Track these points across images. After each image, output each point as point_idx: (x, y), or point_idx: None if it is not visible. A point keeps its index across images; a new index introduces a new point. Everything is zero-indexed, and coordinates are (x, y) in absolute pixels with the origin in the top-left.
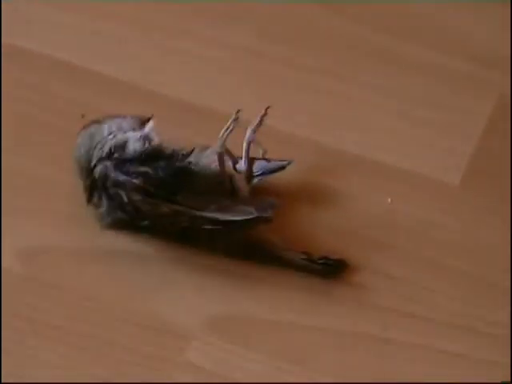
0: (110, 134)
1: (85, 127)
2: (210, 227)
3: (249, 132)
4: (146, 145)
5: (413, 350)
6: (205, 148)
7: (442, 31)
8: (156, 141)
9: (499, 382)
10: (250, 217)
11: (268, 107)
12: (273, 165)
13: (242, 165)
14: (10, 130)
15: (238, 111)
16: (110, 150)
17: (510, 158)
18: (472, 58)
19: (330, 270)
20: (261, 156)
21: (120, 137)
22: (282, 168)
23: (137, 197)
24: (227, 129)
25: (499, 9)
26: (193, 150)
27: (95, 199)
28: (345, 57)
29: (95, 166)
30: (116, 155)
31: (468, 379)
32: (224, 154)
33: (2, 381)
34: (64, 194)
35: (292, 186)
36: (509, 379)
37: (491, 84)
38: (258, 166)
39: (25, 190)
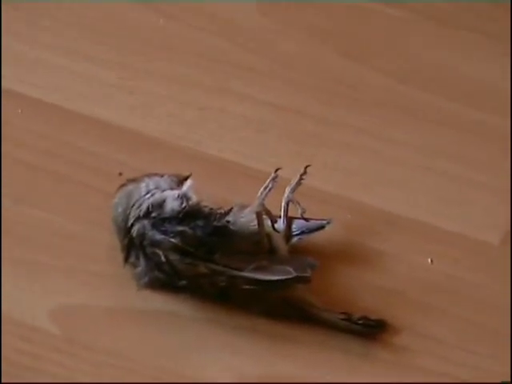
0: (148, 192)
1: (122, 186)
2: (248, 287)
3: (288, 191)
4: (184, 204)
5: None
6: (243, 207)
7: (479, 87)
8: (194, 200)
9: (499, 382)
10: (289, 277)
11: (307, 166)
12: (312, 224)
13: (280, 224)
14: (47, 188)
15: (277, 170)
16: (148, 208)
17: None
18: (509, 115)
19: (370, 330)
20: (300, 215)
21: (158, 196)
22: (322, 227)
23: (174, 256)
24: (266, 188)
25: None
26: (231, 209)
27: (132, 258)
28: (379, 114)
29: (132, 225)
30: (154, 214)
31: None
32: (262, 213)
33: (2, 381)
34: (101, 253)
35: (331, 246)
36: (509, 379)
37: None
38: (296, 226)
39: (61, 248)
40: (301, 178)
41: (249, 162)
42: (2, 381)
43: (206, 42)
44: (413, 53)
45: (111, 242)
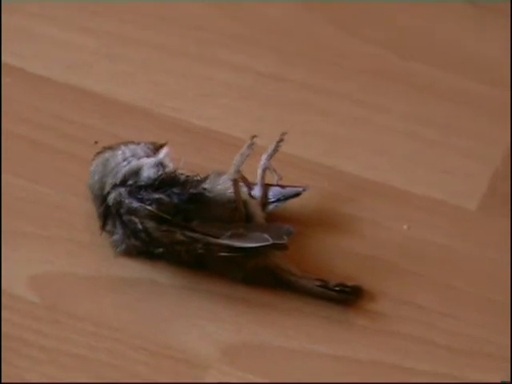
0: (124, 160)
1: (98, 154)
2: (224, 254)
3: (264, 158)
4: (161, 171)
5: (433, 378)
6: (219, 174)
7: (464, 55)
8: (170, 167)
9: (499, 382)
10: (265, 244)
11: (284, 133)
12: (288, 191)
13: (257, 191)
14: (22, 156)
15: (254, 137)
16: (124, 176)
17: None
18: (493, 82)
19: (347, 296)
20: (276, 182)
21: (134, 163)
22: (298, 194)
23: (151, 224)
24: (242, 155)
25: None
26: (207, 177)
27: (109, 226)
28: (363, 81)
29: (109, 192)
30: (130, 182)
31: None
32: (239, 180)
33: (2, 381)
34: (78, 220)
35: (307, 213)
36: (509, 379)
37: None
38: (273, 193)
39: (38, 216)
40: (277, 145)
41: (228, 129)
42: None
43: (189, 8)
44: (400, 22)
45: (88, 210)
